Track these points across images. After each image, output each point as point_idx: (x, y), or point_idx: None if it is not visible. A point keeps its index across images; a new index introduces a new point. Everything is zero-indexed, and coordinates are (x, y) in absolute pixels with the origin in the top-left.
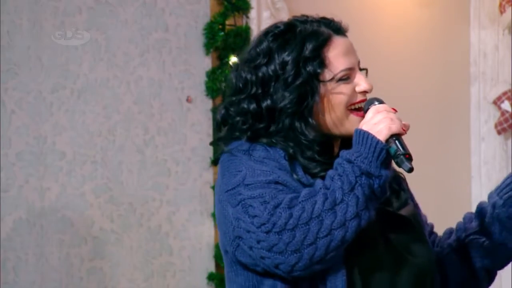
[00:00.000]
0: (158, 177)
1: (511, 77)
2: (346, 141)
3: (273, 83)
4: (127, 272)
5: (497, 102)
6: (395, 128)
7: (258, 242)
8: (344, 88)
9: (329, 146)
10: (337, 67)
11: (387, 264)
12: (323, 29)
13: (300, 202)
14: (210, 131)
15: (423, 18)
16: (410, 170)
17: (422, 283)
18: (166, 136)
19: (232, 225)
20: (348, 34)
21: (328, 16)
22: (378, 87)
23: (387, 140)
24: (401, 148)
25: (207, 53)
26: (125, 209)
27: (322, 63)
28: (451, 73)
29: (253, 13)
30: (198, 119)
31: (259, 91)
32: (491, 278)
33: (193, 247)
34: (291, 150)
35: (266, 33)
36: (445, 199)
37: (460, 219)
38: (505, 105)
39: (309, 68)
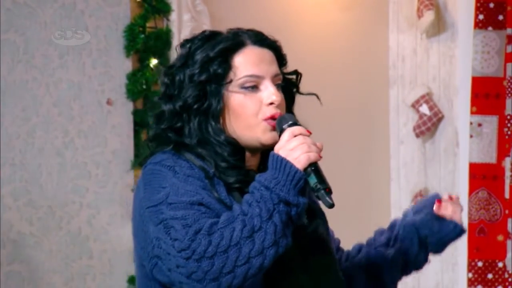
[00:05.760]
0: (78, 180)
1: (428, 80)
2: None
3: (186, 84)
4: (46, 276)
5: (415, 105)
6: (313, 156)
7: (178, 267)
8: (249, 97)
9: (243, 154)
10: (241, 72)
11: (304, 286)
12: (242, 37)
13: (219, 229)
14: (131, 133)
15: (343, 21)
16: (331, 206)
17: None
18: (86, 138)
19: (152, 243)
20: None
21: (255, 20)
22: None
23: (305, 169)
24: (320, 182)
25: (128, 56)
26: (44, 212)
27: (228, 67)
28: (370, 76)
29: (173, 16)
30: (119, 122)
31: (175, 92)
32: None
33: (113, 250)
34: (212, 162)
35: (192, 38)
36: (364, 201)
37: (379, 221)
38: (423, 109)
39: (213, 68)
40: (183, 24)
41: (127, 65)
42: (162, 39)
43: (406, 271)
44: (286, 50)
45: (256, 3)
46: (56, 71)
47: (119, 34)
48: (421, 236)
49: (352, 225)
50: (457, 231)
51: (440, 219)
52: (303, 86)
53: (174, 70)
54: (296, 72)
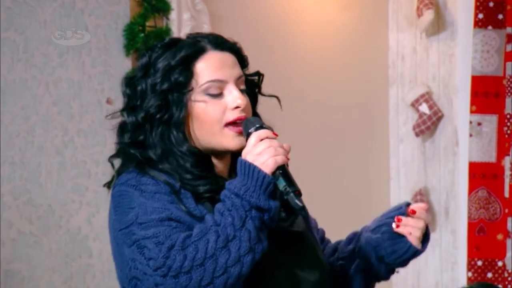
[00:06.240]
0: (77, 179)
1: (428, 79)
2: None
3: (148, 94)
4: (46, 275)
5: (415, 104)
6: (280, 160)
7: (156, 285)
8: (213, 103)
9: (208, 162)
10: (203, 78)
11: (285, 286)
12: (202, 42)
13: (193, 242)
14: None
15: (342, 20)
16: (301, 208)
17: None
18: (86, 137)
19: (128, 265)
20: (267, 37)
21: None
22: (299, 89)
23: (273, 173)
24: (289, 185)
25: (127, 55)
26: (44, 211)
27: (190, 74)
28: (370, 75)
29: (173, 15)
30: (119, 121)
31: (138, 103)
32: None
33: None
34: (177, 175)
35: (153, 46)
36: (364, 200)
37: None
38: (423, 107)
39: (175, 76)
40: (182, 23)
41: (127, 64)
42: (162, 38)
43: (368, 284)
44: (286, 50)
45: (256, 3)
46: (56, 70)
47: (118, 33)
48: (378, 255)
49: (351, 224)
50: (411, 253)
51: (398, 237)
52: (303, 85)
53: (135, 80)
54: (258, 73)
